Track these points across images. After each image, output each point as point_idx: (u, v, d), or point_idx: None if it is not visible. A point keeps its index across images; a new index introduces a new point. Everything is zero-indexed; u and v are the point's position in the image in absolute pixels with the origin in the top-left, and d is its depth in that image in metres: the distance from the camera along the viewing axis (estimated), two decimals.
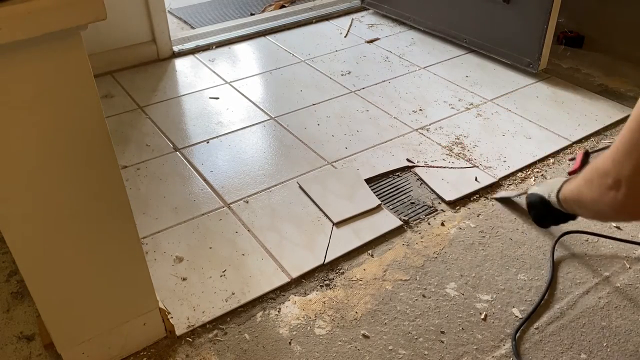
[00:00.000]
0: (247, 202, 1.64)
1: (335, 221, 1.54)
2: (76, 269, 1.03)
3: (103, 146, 0.94)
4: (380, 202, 1.60)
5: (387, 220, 1.55)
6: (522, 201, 1.54)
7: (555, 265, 1.41)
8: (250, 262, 1.44)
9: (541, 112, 2.05)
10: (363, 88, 2.23)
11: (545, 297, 1.33)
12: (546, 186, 1.28)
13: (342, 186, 1.67)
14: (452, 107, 2.09)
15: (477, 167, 1.77)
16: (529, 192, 1.37)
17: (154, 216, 1.59)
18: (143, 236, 1.51)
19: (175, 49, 2.51)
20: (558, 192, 1.14)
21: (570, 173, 1.33)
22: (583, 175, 0.94)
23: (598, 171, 0.84)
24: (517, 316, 1.29)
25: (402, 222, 1.54)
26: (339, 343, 1.24)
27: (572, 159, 1.56)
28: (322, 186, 1.67)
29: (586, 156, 1.35)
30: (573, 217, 1.28)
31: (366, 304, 1.33)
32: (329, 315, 1.30)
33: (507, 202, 1.62)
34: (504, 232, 1.53)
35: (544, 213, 1.30)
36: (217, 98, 2.18)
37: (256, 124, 2.01)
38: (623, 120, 2.00)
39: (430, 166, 1.77)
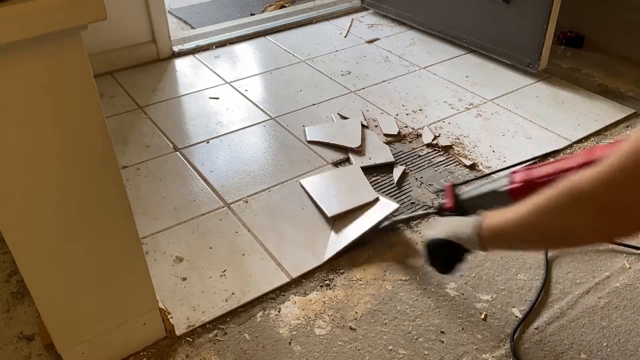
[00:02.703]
0: (247, 202, 1.64)
1: (331, 214, 1.54)
2: (76, 269, 1.03)
3: (103, 146, 0.94)
4: (378, 195, 1.60)
5: (385, 205, 1.56)
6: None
7: (549, 264, 1.41)
8: (250, 262, 1.44)
9: (541, 112, 2.05)
10: (363, 88, 2.23)
11: (541, 296, 1.33)
12: (448, 227, 1.06)
13: (343, 184, 1.67)
14: (452, 107, 2.09)
15: (477, 167, 1.77)
16: (425, 238, 1.11)
17: (154, 216, 1.59)
18: (143, 236, 1.51)
19: (175, 49, 2.51)
20: (478, 229, 0.96)
21: (447, 209, 1.19)
22: (539, 201, 0.81)
23: (580, 195, 0.73)
24: (516, 316, 1.29)
25: (399, 205, 1.55)
26: (339, 343, 1.24)
27: (438, 192, 1.48)
28: (324, 185, 1.67)
29: (454, 189, 1.25)
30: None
31: (366, 304, 1.33)
32: (329, 315, 1.30)
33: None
34: None
35: (450, 257, 1.09)
36: (217, 98, 2.18)
37: (256, 124, 2.01)
38: (623, 120, 2.01)
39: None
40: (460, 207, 1.19)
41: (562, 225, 0.78)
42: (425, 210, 1.55)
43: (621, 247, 1.47)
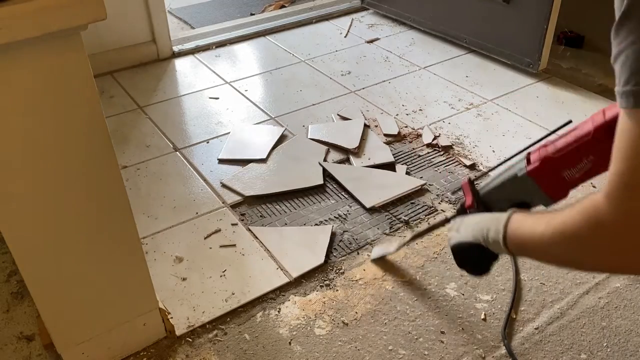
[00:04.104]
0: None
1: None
2: (76, 269, 1.03)
3: (103, 146, 0.94)
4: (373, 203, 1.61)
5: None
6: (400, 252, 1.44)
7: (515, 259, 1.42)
8: (250, 262, 1.44)
9: (541, 112, 2.05)
10: (363, 88, 2.23)
11: (517, 292, 1.34)
12: (472, 229, 0.98)
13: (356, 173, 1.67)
14: (452, 107, 2.09)
15: (477, 167, 1.77)
16: (451, 242, 1.04)
17: (154, 216, 1.59)
18: (143, 236, 1.51)
19: (175, 49, 2.51)
20: (503, 236, 0.88)
21: (467, 207, 1.10)
22: (552, 223, 0.74)
23: (589, 218, 0.66)
24: (513, 317, 1.29)
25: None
26: (339, 343, 1.24)
27: (456, 191, 1.42)
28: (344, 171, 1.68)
29: (472, 184, 1.18)
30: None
31: (366, 304, 1.33)
32: (329, 315, 1.30)
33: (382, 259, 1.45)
34: None
35: (479, 260, 1.01)
36: (217, 98, 2.18)
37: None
38: None
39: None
40: (482, 203, 1.09)
41: (577, 254, 0.71)
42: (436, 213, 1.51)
43: None
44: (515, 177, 1.01)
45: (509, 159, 1.08)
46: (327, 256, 1.44)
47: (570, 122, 1.06)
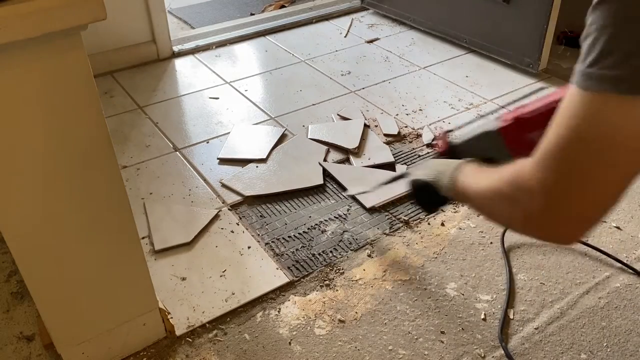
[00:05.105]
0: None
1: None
2: (76, 269, 1.03)
3: (103, 146, 0.94)
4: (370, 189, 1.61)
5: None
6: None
7: (507, 254, 1.44)
8: (250, 262, 1.44)
9: None
10: (363, 88, 2.23)
11: (509, 289, 1.34)
12: (431, 170, 1.08)
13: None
14: (452, 107, 2.09)
15: None
16: (410, 177, 1.18)
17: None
18: (143, 236, 1.51)
19: (175, 49, 2.51)
20: (452, 182, 0.96)
21: (440, 153, 1.21)
22: (489, 178, 0.79)
23: (514, 179, 0.70)
24: (511, 318, 1.29)
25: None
26: (339, 343, 1.24)
27: (433, 142, 1.52)
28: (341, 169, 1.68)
29: (447, 135, 1.27)
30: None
31: (366, 304, 1.33)
32: (329, 315, 1.30)
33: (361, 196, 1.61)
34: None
35: (431, 199, 1.12)
36: (217, 98, 2.18)
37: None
38: None
39: None
40: (453, 152, 1.16)
41: (504, 213, 0.75)
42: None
43: (621, 247, 1.47)
44: (487, 132, 1.07)
45: (487, 114, 1.16)
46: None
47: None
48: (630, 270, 1.40)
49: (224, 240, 1.51)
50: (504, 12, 2.26)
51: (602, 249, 1.45)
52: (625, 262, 1.41)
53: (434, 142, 1.60)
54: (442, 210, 1.13)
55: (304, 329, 1.27)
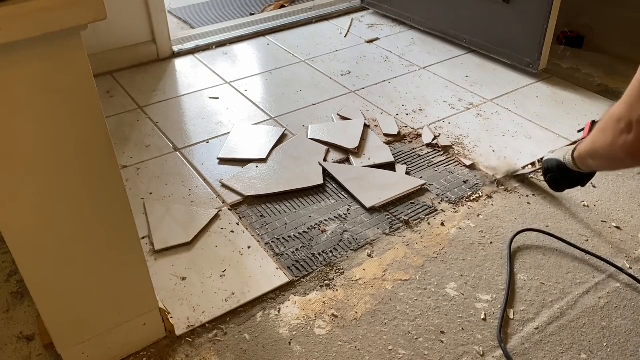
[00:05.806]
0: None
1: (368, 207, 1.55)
2: (76, 269, 1.03)
3: (103, 146, 0.94)
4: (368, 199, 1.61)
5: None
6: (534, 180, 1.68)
7: (512, 258, 1.44)
8: (250, 262, 1.44)
9: (541, 112, 2.05)
10: (363, 88, 2.23)
11: (509, 292, 1.34)
12: (561, 150, 1.35)
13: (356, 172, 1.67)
14: (452, 107, 2.09)
15: (477, 167, 1.77)
16: (545, 157, 1.43)
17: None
18: (143, 236, 1.51)
19: (175, 49, 2.51)
20: (573, 152, 1.23)
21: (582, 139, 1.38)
22: (597, 126, 1.00)
23: (612, 117, 0.90)
24: (511, 318, 1.29)
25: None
26: (339, 343, 1.24)
27: (580, 130, 1.58)
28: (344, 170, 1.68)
29: (593, 125, 1.36)
30: (589, 176, 1.35)
31: (366, 304, 1.33)
32: (329, 315, 1.30)
33: (520, 179, 1.72)
34: (503, 232, 1.53)
35: (559, 176, 1.36)
36: (217, 98, 2.18)
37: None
38: None
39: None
40: None
41: (604, 145, 0.95)
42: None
43: (621, 247, 1.47)
44: None
45: None
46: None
47: None
48: (630, 272, 1.40)
49: (224, 240, 1.51)
50: (503, 12, 2.26)
51: (599, 254, 1.45)
52: (620, 266, 1.41)
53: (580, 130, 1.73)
54: (570, 187, 1.43)
55: (304, 329, 1.27)
